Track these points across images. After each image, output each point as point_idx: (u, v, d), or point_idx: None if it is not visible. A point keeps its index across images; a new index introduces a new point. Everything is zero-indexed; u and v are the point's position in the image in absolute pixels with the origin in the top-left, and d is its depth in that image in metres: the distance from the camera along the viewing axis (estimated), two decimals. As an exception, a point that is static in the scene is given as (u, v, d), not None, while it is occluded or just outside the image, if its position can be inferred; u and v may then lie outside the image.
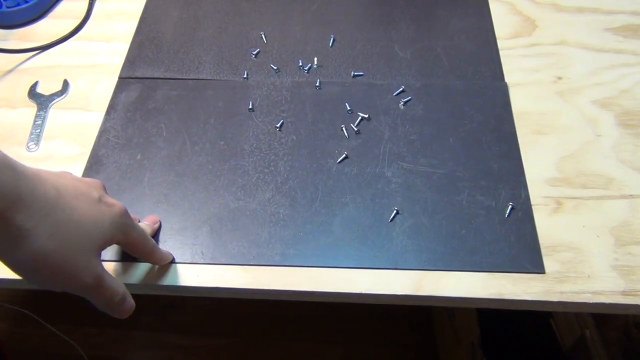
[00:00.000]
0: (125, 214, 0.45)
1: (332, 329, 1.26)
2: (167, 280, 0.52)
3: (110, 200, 0.44)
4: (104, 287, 0.43)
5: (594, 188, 0.56)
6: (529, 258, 0.51)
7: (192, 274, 0.52)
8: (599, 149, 0.59)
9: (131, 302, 0.46)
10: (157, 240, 0.54)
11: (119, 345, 1.28)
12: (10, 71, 0.71)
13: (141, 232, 0.47)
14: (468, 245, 0.52)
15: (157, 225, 0.55)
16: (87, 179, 0.46)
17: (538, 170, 0.57)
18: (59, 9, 0.79)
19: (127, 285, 0.52)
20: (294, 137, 0.61)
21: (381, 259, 0.52)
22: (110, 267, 0.53)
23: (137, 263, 0.53)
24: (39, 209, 0.37)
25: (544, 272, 0.50)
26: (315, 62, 0.68)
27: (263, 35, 0.72)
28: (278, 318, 1.27)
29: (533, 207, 0.54)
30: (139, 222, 0.53)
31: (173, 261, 0.53)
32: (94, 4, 0.79)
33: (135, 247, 0.48)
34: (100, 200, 0.43)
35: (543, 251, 0.51)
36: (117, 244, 0.45)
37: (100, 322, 1.30)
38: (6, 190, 0.35)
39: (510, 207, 0.54)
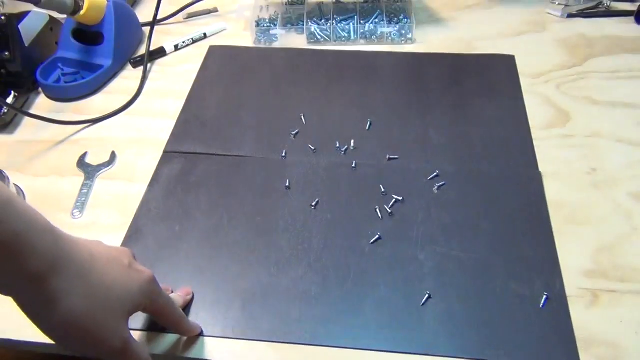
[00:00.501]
0: (153, 281, 0.46)
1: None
2: (194, 353, 0.52)
3: (139, 267, 0.46)
4: (131, 351, 0.43)
5: (632, 282, 0.55)
6: (564, 351, 0.50)
7: (220, 349, 0.52)
8: (635, 242, 0.58)
9: None
10: (189, 312, 0.55)
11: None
12: (62, 141, 0.74)
13: (169, 300, 0.48)
14: (501, 334, 0.51)
15: (189, 297, 0.55)
16: (118, 247, 0.47)
17: (573, 261, 0.57)
18: (112, 86, 0.84)
19: (153, 356, 0.52)
20: (329, 216, 0.62)
21: (412, 343, 0.51)
22: (137, 335, 0.53)
23: (165, 334, 0.53)
24: (75, 272, 0.39)
25: (580, 367, 0.49)
26: (352, 144, 0.70)
27: (302, 117, 0.75)
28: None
29: (568, 298, 0.53)
30: (172, 292, 0.54)
31: (201, 334, 0.53)
32: (145, 82, 0.84)
33: (163, 315, 0.49)
34: (130, 266, 0.44)
35: (579, 345, 0.50)
36: (144, 310, 0.46)
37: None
38: (47, 253, 0.37)
39: (544, 297, 0.53)
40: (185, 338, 0.53)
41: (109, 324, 0.41)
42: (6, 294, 0.38)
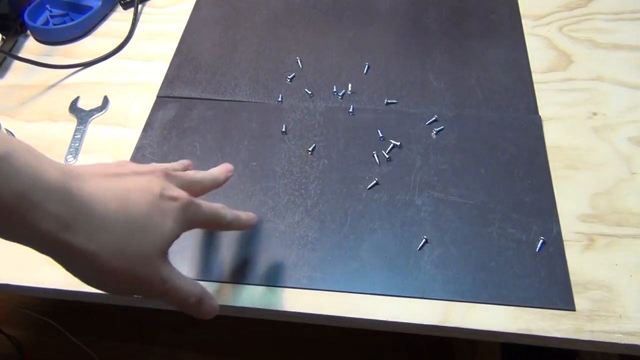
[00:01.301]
0: (188, 207, 0.42)
1: (352, 357, 1.24)
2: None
3: (173, 192, 0.42)
4: (175, 289, 0.41)
5: (628, 226, 0.55)
6: (559, 294, 0.50)
7: (218, 292, 0.53)
8: (633, 187, 0.58)
9: (211, 304, 0.44)
10: (185, 259, 0.55)
11: (138, 360, 1.29)
12: (53, 86, 0.73)
13: (210, 214, 0.45)
14: (497, 278, 0.52)
15: (230, 174, 0.52)
16: (150, 169, 0.43)
17: (570, 206, 0.57)
18: (102, 28, 0.82)
19: (151, 301, 0.53)
20: (326, 162, 0.62)
21: (408, 287, 0.51)
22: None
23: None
24: (98, 226, 0.36)
25: (574, 310, 0.49)
26: (349, 89, 0.69)
27: (299, 60, 0.73)
28: (299, 341, 1.27)
29: (564, 242, 0.54)
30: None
31: (206, 282, 0.53)
32: (136, 24, 0.81)
33: (209, 227, 0.48)
34: (162, 196, 0.41)
35: (574, 288, 0.51)
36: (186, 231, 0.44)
37: (120, 336, 1.31)
38: (58, 213, 0.34)
39: (541, 241, 0.54)
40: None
41: (146, 270, 0.39)
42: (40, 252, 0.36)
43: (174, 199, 0.41)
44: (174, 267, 0.42)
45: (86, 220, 0.36)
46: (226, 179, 0.51)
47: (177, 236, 0.42)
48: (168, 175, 0.43)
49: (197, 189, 0.46)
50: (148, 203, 0.40)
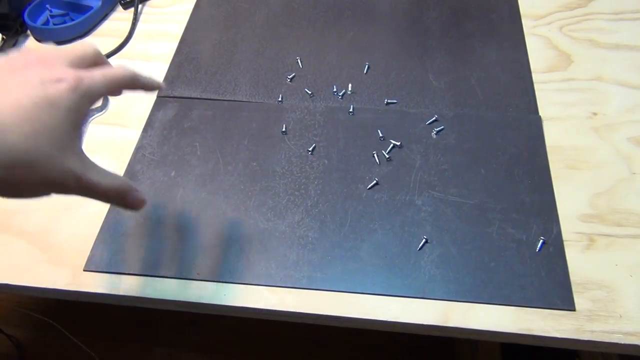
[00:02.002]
0: (77, 86, 0.36)
1: (353, 357, 1.24)
2: (194, 298, 0.52)
3: (53, 72, 0.36)
4: (93, 185, 0.37)
5: (628, 226, 0.55)
6: (559, 294, 0.50)
7: (218, 292, 0.53)
8: (633, 187, 0.58)
9: (136, 196, 0.41)
10: (185, 259, 0.55)
11: (138, 360, 1.29)
12: (53, 85, 0.73)
13: (107, 83, 0.39)
14: (497, 278, 0.52)
15: (155, 84, 0.45)
16: (15, 57, 0.37)
17: (571, 206, 0.57)
18: (102, 28, 0.82)
19: (150, 300, 0.53)
20: (326, 161, 0.62)
21: (409, 288, 0.51)
22: (132, 280, 0.54)
23: (161, 278, 0.53)
24: None
25: (574, 310, 0.49)
26: (350, 89, 0.69)
27: (299, 60, 0.73)
28: (299, 342, 1.27)
29: (565, 242, 0.54)
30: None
31: (200, 278, 0.53)
32: (136, 24, 0.81)
33: (113, 94, 0.42)
34: (42, 82, 0.35)
35: (574, 288, 0.51)
36: (89, 108, 0.38)
37: (120, 336, 1.31)
38: None
39: (541, 241, 0.53)
40: (182, 283, 0.53)
41: (54, 168, 0.35)
42: None
43: (58, 80, 0.36)
44: (90, 161, 0.38)
45: None
46: (142, 83, 0.44)
47: (78, 121, 0.37)
48: (47, 58, 0.37)
49: (102, 90, 0.39)
50: (30, 97, 0.34)
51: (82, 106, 0.37)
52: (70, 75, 0.36)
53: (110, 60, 0.76)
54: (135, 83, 0.43)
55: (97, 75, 0.39)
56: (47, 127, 0.34)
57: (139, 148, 0.64)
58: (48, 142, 0.34)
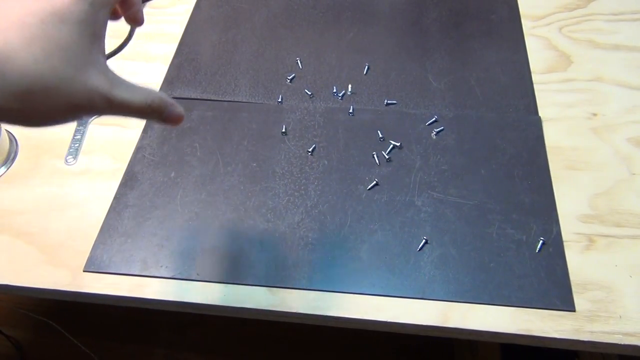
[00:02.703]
0: None
1: (351, 357, 1.24)
2: (194, 298, 0.52)
3: None
4: (126, 104, 0.34)
5: (628, 227, 0.55)
6: (559, 295, 0.50)
7: (218, 293, 0.53)
8: (633, 187, 0.58)
9: (173, 110, 0.37)
10: (185, 259, 0.55)
11: (138, 361, 1.29)
12: (53, 86, 0.73)
13: None
14: (497, 279, 0.52)
15: None
16: None
17: (570, 206, 0.57)
18: (102, 29, 0.81)
19: (150, 301, 0.53)
20: (326, 162, 0.62)
21: (408, 288, 0.51)
22: (132, 281, 0.54)
23: (161, 279, 0.53)
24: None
25: (574, 310, 0.49)
26: (349, 89, 0.69)
27: (299, 61, 0.73)
28: (299, 342, 1.27)
29: (564, 243, 0.54)
30: None
31: (199, 279, 0.53)
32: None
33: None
34: None
35: (574, 289, 0.51)
36: (108, 14, 0.36)
37: (120, 337, 1.30)
38: None
39: (541, 242, 0.54)
40: (182, 284, 0.53)
41: (77, 92, 0.32)
42: None
43: None
44: (117, 77, 0.35)
45: None
46: None
47: (97, 33, 0.34)
48: None
49: None
50: (36, 15, 0.31)
51: (96, 15, 0.34)
52: None
53: (110, 61, 0.76)
54: None
55: None
56: (59, 46, 0.31)
57: (139, 149, 0.64)
58: (64, 62, 0.31)
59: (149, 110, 0.36)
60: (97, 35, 0.34)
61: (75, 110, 0.32)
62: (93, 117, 0.68)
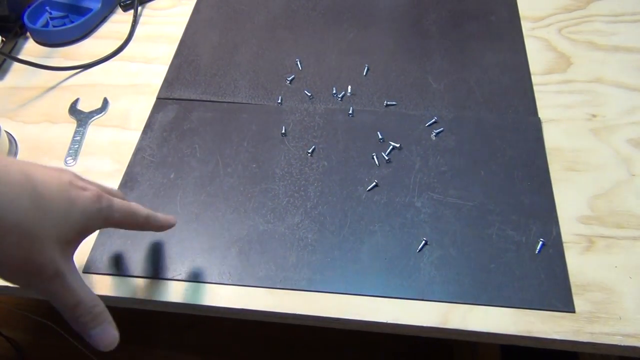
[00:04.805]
0: (98, 200, 0.40)
1: (351, 358, 1.24)
2: (193, 299, 0.52)
3: (83, 183, 0.41)
4: (68, 290, 0.38)
5: (628, 228, 0.55)
6: (559, 296, 0.50)
7: (218, 294, 0.52)
8: (633, 188, 0.58)
9: (109, 332, 0.40)
10: (185, 261, 0.55)
11: (137, 362, 1.28)
12: (52, 87, 0.73)
13: (125, 211, 0.44)
14: (496, 280, 0.52)
15: (170, 223, 0.51)
16: (58, 167, 0.41)
17: (570, 208, 0.57)
18: (102, 30, 0.82)
19: (151, 302, 0.53)
20: (325, 163, 0.62)
21: (408, 289, 0.51)
22: (132, 282, 0.54)
23: (160, 280, 0.53)
24: (1, 193, 0.34)
25: (574, 312, 0.49)
26: (349, 90, 0.69)
27: (298, 62, 0.73)
28: (298, 343, 1.26)
29: (564, 244, 0.54)
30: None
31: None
32: (136, 26, 0.81)
33: (126, 226, 0.45)
34: (71, 184, 0.39)
35: (573, 290, 0.51)
36: (99, 229, 0.42)
37: (120, 338, 1.30)
38: None
39: (540, 243, 0.53)
40: (182, 285, 0.53)
41: (42, 254, 0.36)
42: None
43: (84, 189, 0.40)
44: (77, 271, 0.39)
45: None
46: (156, 224, 0.49)
47: (85, 231, 0.40)
48: (78, 176, 0.42)
49: (118, 218, 0.44)
50: (56, 187, 0.38)
51: (95, 219, 0.40)
52: (95, 190, 0.41)
53: (110, 62, 0.76)
54: (149, 222, 0.47)
55: (117, 201, 0.43)
56: (58, 216, 0.37)
57: (138, 150, 0.64)
58: (52, 227, 0.36)
59: (83, 312, 0.38)
60: (84, 233, 0.40)
61: (28, 267, 0.36)
62: (92, 119, 0.68)
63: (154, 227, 0.49)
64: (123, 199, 0.47)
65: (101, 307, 0.40)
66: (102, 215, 0.41)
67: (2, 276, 0.37)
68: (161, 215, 0.49)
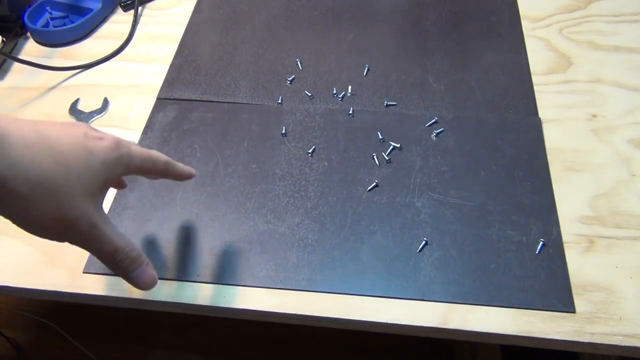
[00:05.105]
0: (117, 147, 0.40)
1: (351, 358, 1.24)
2: (194, 300, 0.52)
3: (97, 133, 0.40)
4: (105, 238, 0.39)
5: (628, 228, 0.55)
6: (559, 296, 0.50)
7: (218, 294, 0.52)
8: (633, 189, 0.58)
9: (147, 271, 0.42)
10: (185, 261, 0.55)
11: (138, 362, 1.28)
12: (53, 88, 0.73)
13: (144, 156, 0.44)
14: (497, 280, 0.52)
15: (190, 173, 0.51)
16: (71, 121, 0.41)
17: (570, 208, 0.57)
18: (102, 30, 0.82)
19: (151, 302, 0.53)
20: (325, 164, 0.62)
21: (408, 290, 0.51)
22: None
23: (161, 280, 0.53)
24: (20, 154, 0.34)
25: (574, 312, 0.49)
26: (349, 91, 0.69)
27: (299, 62, 0.73)
28: (299, 344, 1.26)
29: (564, 244, 0.54)
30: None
31: (198, 281, 0.53)
32: (136, 26, 0.81)
33: (146, 173, 0.46)
34: (86, 135, 0.39)
35: (574, 290, 0.51)
36: (122, 176, 0.43)
37: (120, 338, 1.30)
38: None
39: (541, 243, 0.53)
40: (182, 285, 0.53)
41: (72, 207, 0.37)
42: None
43: (100, 138, 0.40)
44: (108, 219, 0.40)
45: (5, 145, 0.34)
46: (175, 171, 0.49)
47: (109, 180, 0.40)
48: (91, 127, 0.42)
49: (137, 164, 0.43)
50: (72, 141, 0.38)
51: (116, 166, 0.40)
52: (111, 137, 0.41)
53: (110, 62, 0.76)
54: (168, 168, 0.47)
55: (135, 147, 0.43)
56: (79, 169, 0.37)
57: (138, 150, 0.64)
58: (76, 181, 0.37)
59: (122, 256, 0.40)
60: (108, 181, 0.40)
61: (62, 223, 0.37)
62: (93, 119, 0.68)
63: (173, 174, 0.48)
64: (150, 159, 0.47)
65: (137, 250, 0.42)
66: (123, 161, 0.41)
67: (38, 233, 0.38)
68: (180, 164, 0.49)
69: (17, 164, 0.34)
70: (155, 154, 0.46)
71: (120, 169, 0.41)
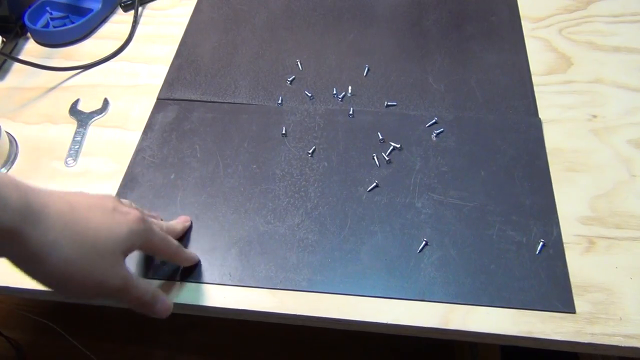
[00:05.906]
0: (141, 221, 0.45)
1: (352, 359, 1.24)
2: (194, 300, 0.52)
3: (124, 208, 0.45)
4: (133, 287, 0.44)
5: (628, 229, 0.55)
6: (559, 297, 0.50)
7: (219, 295, 0.52)
8: (633, 189, 0.58)
9: (166, 302, 0.47)
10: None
11: (138, 363, 1.28)
12: (53, 88, 0.73)
13: (162, 236, 0.48)
14: (497, 281, 0.52)
15: (187, 224, 0.57)
16: (101, 194, 0.46)
17: (571, 208, 0.57)
18: (102, 31, 0.82)
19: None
20: (326, 164, 0.62)
21: (408, 290, 0.51)
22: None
23: (159, 281, 0.53)
24: (54, 222, 0.38)
25: (574, 312, 0.49)
26: (349, 91, 0.69)
27: (299, 63, 0.73)
28: (299, 344, 1.26)
29: (565, 245, 0.54)
30: (161, 220, 0.55)
31: (199, 280, 0.53)
32: (136, 27, 0.81)
33: (158, 251, 0.49)
34: (114, 209, 0.44)
35: (574, 291, 0.51)
36: (139, 249, 0.46)
37: (120, 339, 1.30)
38: (15, 206, 0.36)
39: (541, 244, 0.53)
40: (183, 285, 0.53)
41: (105, 266, 0.41)
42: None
43: (126, 213, 0.44)
44: (131, 271, 0.44)
45: (43, 215, 0.38)
46: (183, 230, 0.56)
47: (132, 247, 0.44)
48: (119, 201, 0.46)
49: (155, 241, 0.48)
50: (101, 214, 0.42)
51: (139, 237, 0.44)
52: (137, 212, 0.45)
53: (110, 62, 0.76)
54: (178, 252, 0.51)
55: (156, 225, 0.48)
56: (107, 238, 0.42)
57: (139, 150, 0.64)
58: (106, 245, 0.41)
59: (149, 297, 0.46)
60: (129, 249, 0.44)
61: (96, 285, 0.41)
62: (93, 120, 0.68)
63: (181, 258, 0.52)
64: (160, 219, 0.55)
65: (153, 286, 0.47)
66: (145, 234, 0.45)
67: (75, 295, 0.42)
68: (188, 251, 0.54)
69: (55, 232, 0.38)
70: (174, 229, 0.54)
71: (141, 241, 0.45)
